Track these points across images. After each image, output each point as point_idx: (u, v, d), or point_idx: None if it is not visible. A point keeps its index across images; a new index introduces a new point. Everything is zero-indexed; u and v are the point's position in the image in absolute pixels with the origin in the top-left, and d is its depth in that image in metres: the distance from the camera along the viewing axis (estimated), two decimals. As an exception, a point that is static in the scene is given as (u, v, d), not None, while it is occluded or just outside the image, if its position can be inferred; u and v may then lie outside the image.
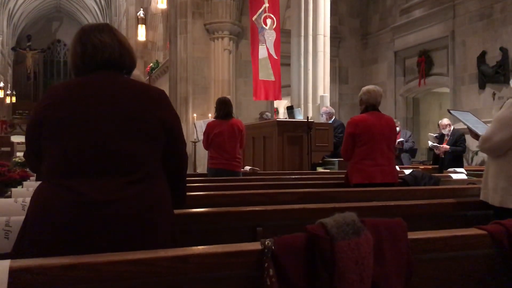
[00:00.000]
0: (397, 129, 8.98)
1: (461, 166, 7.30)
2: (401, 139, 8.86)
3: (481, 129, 2.85)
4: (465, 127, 3.00)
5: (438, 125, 8.31)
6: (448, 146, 7.90)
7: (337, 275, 1.26)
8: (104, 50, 1.67)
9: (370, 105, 4.03)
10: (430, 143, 8.21)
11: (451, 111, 3.32)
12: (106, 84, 1.63)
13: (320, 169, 6.96)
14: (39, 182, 1.63)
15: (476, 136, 2.82)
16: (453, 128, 8.23)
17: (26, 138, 1.69)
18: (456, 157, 7.95)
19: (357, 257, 1.28)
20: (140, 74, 3.01)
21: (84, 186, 1.47)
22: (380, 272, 1.33)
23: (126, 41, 1.77)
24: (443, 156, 8.00)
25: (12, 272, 1.10)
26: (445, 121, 8.22)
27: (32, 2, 31.35)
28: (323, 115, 7.88)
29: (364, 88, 4.12)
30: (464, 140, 8.15)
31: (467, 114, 3.17)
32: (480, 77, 9.90)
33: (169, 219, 1.63)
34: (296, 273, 1.28)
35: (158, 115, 1.63)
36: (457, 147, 7.92)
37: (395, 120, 9.47)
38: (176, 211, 1.75)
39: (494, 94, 9.50)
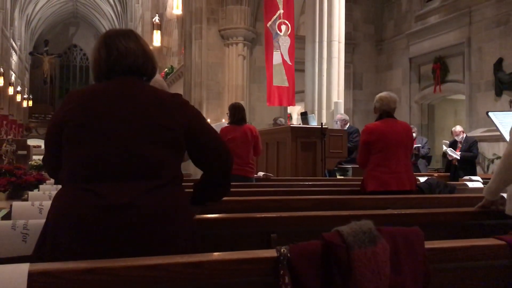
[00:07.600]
0: (414, 135, 8.95)
1: (474, 174, 7.19)
2: (418, 145, 8.79)
3: None
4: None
5: (452, 132, 8.27)
6: (458, 154, 7.82)
7: (353, 284, 1.25)
8: (128, 56, 1.68)
9: (384, 112, 4.01)
10: (444, 147, 8.15)
11: (489, 114, 3.14)
12: (127, 90, 1.64)
13: (338, 176, 6.93)
14: (55, 186, 1.64)
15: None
16: (466, 135, 8.17)
17: (45, 143, 1.71)
18: (468, 164, 7.86)
19: (374, 266, 1.26)
20: (160, 77, 3.03)
21: (106, 190, 1.47)
22: (397, 281, 1.31)
23: (149, 49, 1.78)
24: (456, 164, 7.92)
25: (31, 275, 1.11)
26: (458, 128, 8.17)
27: (50, 7, 31.89)
28: (337, 122, 7.83)
29: (378, 96, 4.09)
30: (477, 146, 8.06)
31: (510, 115, 2.97)
32: (496, 84, 9.79)
33: (189, 224, 1.62)
34: (312, 281, 1.27)
35: (179, 121, 1.63)
36: (466, 152, 7.83)
37: (411, 126, 9.43)
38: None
39: (510, 101, 9.38)
